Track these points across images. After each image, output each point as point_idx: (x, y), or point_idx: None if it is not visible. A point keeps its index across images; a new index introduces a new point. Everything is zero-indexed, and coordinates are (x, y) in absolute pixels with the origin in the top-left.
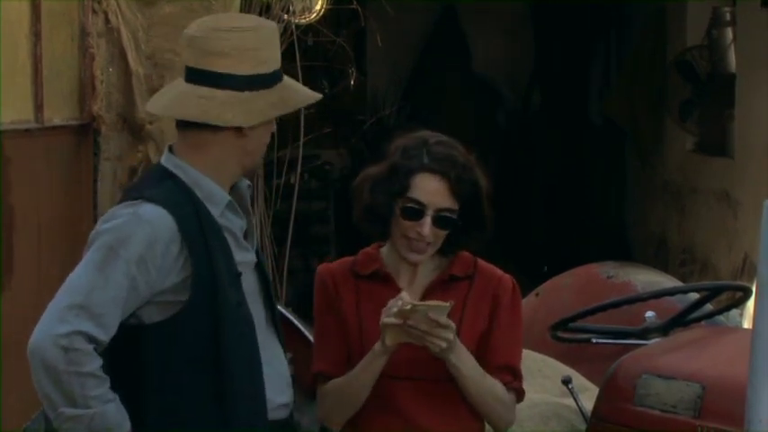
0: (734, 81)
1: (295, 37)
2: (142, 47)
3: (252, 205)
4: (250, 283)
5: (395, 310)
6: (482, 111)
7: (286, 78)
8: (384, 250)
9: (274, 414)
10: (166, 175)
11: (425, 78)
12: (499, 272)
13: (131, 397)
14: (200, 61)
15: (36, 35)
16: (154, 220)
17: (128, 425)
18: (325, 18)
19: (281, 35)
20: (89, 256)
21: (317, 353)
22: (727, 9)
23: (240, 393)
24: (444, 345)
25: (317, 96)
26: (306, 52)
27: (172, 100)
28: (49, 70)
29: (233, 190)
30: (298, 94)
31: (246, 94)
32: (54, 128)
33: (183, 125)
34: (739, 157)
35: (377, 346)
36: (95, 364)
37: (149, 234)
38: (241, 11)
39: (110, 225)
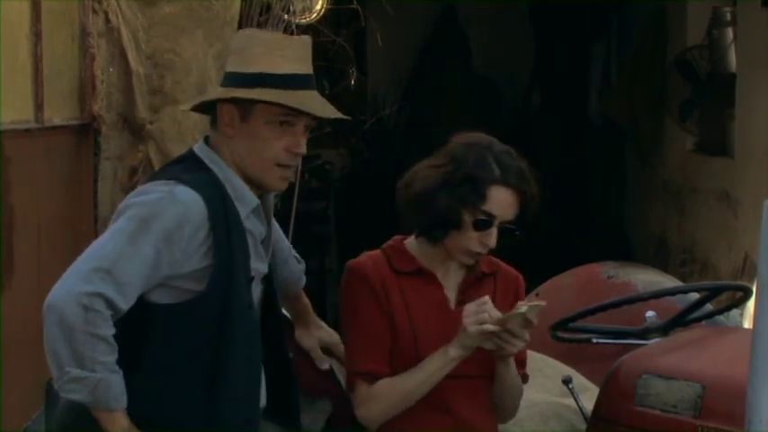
0: (734, 81)
1: None
2: (142, 47)
3: None
4: (256, 292)
5: (484, 315)
6: (482, 111)
7: (296, 93)
8: (413, 245)
9: None
10: (201, 167)
11: (425, 78)
12: (512, 268)
13: (125, 373)
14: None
15: (36, 35)
16: (188, 201)
17: (125, 401)
18: (326, 18)
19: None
20: (120, 225)
21: (364, 352)
22: (727, 9)
23: (235, 391)
24: (523, 345)
25: (297, 107)
26: None
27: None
28: (49, 70)
29: (260, 197)
30: (275, 96)
31: (221, 89)
32: (54, 128)
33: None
34: (739, 156)
35: (453, 351)
36: (110, 330)
37: (181, 214)
38: (241, 11)
39: (143, 199)
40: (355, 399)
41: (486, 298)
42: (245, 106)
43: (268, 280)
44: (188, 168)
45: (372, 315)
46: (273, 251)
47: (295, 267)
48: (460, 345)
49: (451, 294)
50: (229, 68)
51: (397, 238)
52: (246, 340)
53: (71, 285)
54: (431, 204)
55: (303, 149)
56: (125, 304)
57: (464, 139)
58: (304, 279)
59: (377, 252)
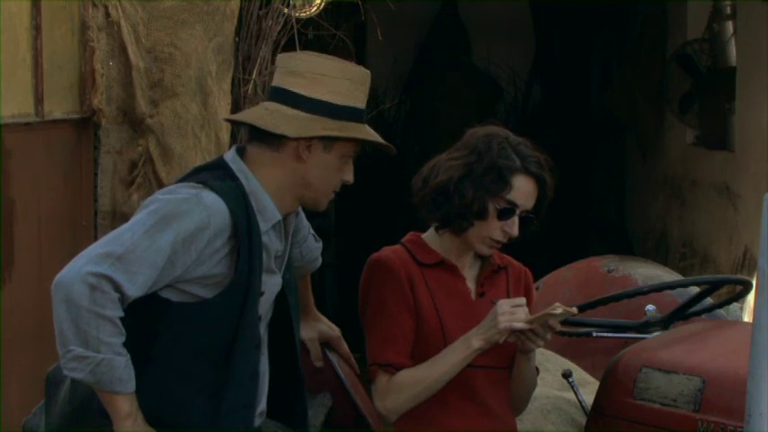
0: (734, 75)
1: (295, 31)
2: (142, 40)
3: None
4: (264, 307)
5: (520, 315)
6: (482, 104)
7: (366, 126)
8: (432, 239)
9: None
10: (229, 176)
11: (426, 73)
12: (519, 263)
13: (136, 366)
14: (280, 80)
15: (36, 29)
16: (213, 207)
17: (133, 385)
18: (326, 11)
19: (281, 29)
20: (140, 218)
21: (388, 343)
22: (727, 3)
23: (236, 399)
24: (543, 344)
25: (381, 141)
26: (306, 46)
27: (248, 111)
28: (49, 64)
29: (285, 216)
30: (361, 132)
31: (308, 115)
32: (54, 121)
33: (251, 138)
34: (739, 150)
35: (476, 342)
36: (117, 312)
37: (205, 218)
38: (241, 5)
39: (169, 197)
40: (376, 390)
41: (523, 299)
42: (330, 138)
43: (282, 292)
44: (217, 176)
45: (398, 308)
46: (294, 230)
47: (313, 245)
48: (485, 338)
49: (471, 286)
50: (317, 95)
51: (412, 233)
52: (252, 353)
53: (80, 266)
54: (456, 194)
55: (352, 180)
56: (133, 292)
57: (481, 131)
58: (320, 259)
59: (397, 246)
